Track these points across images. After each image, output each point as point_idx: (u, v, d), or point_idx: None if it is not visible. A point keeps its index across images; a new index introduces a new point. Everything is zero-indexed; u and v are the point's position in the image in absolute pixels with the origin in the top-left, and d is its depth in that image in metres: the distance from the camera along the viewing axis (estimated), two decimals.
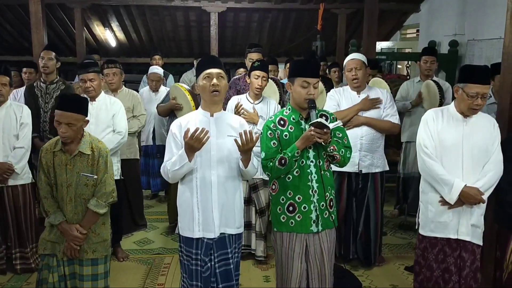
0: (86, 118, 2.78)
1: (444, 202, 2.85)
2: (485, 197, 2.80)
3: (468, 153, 2.81)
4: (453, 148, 2.83)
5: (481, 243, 2.90)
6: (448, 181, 2.80)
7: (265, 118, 3.94)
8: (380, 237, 4.03)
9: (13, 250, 3.78)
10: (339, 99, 3.86)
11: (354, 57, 3.86)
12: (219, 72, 2.56)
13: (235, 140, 2.46)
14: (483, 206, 2.87)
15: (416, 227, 3.08)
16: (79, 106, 2.73)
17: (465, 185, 2.77)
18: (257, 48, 4.68)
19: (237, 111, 3.87)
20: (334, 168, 2.89)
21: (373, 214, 3.91)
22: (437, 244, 2.92)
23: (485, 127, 2.86)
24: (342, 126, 2.78)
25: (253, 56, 4.59)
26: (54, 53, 4.43)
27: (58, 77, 4.47)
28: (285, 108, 2.80)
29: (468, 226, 2.84)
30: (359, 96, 3.83)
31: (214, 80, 2.53)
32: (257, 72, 3.93)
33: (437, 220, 2.90)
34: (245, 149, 2.47)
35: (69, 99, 2.77)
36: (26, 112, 3.80)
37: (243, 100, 4.01)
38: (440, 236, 2.90)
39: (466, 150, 2.82)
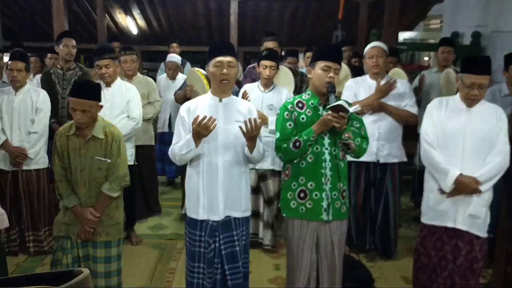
0: (100, 104, 2.80)
1: (442, 190, 2.85)
2: (483, 187, 2.75)
3: (470, 143, 2.78)
4: (455, 137, 2.80)
5: (482, 235, 2.84)
6: (444, 169, 2.79)
7: (276, 107, 3.90)
8: (397, 229, 4.01)
9: (26, 233, 3.86)
10: (356, 90, 3.82)
11: (375, 45, 3.83)
12: (229, 61, 2.56)
13: (240, 127, 2.48)
14: (485, 197, 2.82)
15: (420, 216, 3.07)
16: (93, 92, 2.75)
17: (460, 174, 2.75)
18: (273, 36, 4.63)
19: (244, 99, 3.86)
20: (352, 158, 2.88)
21: (392, 205, 3.88)
22: (436, 232, 2.92)
23: (490, 118, 2.80)
24: (360, 117, 2.77)
25: (269, 44, 4.54)
26: (74, 40, 4.46)
27: (75, 63, 4.53)
28: (304, 93, 2.78)
29: (465, 216, 2.81)
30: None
31: (224, 70, 2.54)
32: (265, 62, 3.87)
33: (436, 208, 2.90)
34: (250, 136, 2.49)
35: (82, 86, 2.79)
36: (43, 98, 3.84)
37: (254, 88, 3.97)
38: (438, 224, 2.90)
39: (467, 140, 2.78)
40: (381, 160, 3.77)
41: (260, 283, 3.52)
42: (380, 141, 3.73)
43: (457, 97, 2.90)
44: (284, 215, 2.78)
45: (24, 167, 3.78)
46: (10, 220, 3.79)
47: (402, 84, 3.83)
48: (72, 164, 2.75)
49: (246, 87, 4.01)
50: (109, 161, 2.77)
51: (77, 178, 2.76)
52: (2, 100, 3.78)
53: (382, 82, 3.78)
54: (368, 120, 3.59)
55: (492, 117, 2.81)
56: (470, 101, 2.78)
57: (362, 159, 3.24)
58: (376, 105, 3.69)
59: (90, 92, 2.74)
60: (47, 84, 4.15)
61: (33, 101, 3.79)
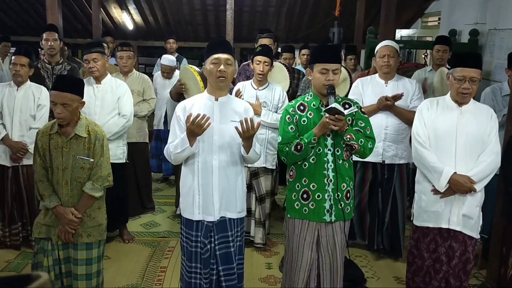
0: (82, 100, 2.74)
1: (436, 191, 2.82)
2: (477, 187, 2.74)
3: (462, 142, 2.76)
4: (447, 136, 2.79)
5: (474, 236, 2.83)
6: (438, 169, 2.77)
7: (269, 104, 3.88)
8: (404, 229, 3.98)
9: (28, 227, 3.86)
10: (362, 91, 3.77)
11: (388, 44, 3.76)
12: (227, 58, 2.54)
13: (236, 128, 2.45)
14: (477, 197, 2.80)
15: (412, 218, 3.04)
16: (74, 86, 2.70)
17: (455, 173, 2.73)
18: (268, 34, 4.60)
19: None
20: (357, 158, 2.85)
21: (400, 205, 3.85)
22: (429, 233, 2.90)
23: (481, 117, 2.79)
24: (366, 116, 2.74)
25: (264, 41, 4.51)
26: (56, 34, 4.43)
27: (62, 58, 4.49)
28: (307, 94, 2.77)
29: (459, 216, 2.79)
30: (386, 85, 3.74)
31: (221, 66, 2.51)
32: (259, 58, 3.83)
33: (429, 210, 2.87)
34: (246, 136, 2.46)
35: (64, 79, 2.75)
36: (45, 94, 3.84)
37: (248, 86, 3.93)
38: (432, 225, 2.88)
39: (460, 139, 2.76)
40: (387, 161, 3.73)
41: (252, 282, 3.50)
42: (386, 142, 3.69)
43: (447, 96, 2.88)
44: (289, 216, 2.76)
45: (25, 162, 3.79)
46: (13, 215, 3.86)
47: (412, 84, 3.77)
48: (53, 163, 2.69)
49: (240, 85, 3.97)
50: (91, 160, 2.72)
51: (58, 177, 2.69)
52: (3, 95, 3.78)
53: (391, 83, 3.73)
54: (375, 120, 3.54)
55: (483, 116, 2.79)
56: (462, 96, 2.75)
57: (368, 159, 3.22)
58: (386, 106, 3.62)
59: (72, 86, 2.69)
60: (36, 79, 4.11)
61: (35, 97, 3.80)
